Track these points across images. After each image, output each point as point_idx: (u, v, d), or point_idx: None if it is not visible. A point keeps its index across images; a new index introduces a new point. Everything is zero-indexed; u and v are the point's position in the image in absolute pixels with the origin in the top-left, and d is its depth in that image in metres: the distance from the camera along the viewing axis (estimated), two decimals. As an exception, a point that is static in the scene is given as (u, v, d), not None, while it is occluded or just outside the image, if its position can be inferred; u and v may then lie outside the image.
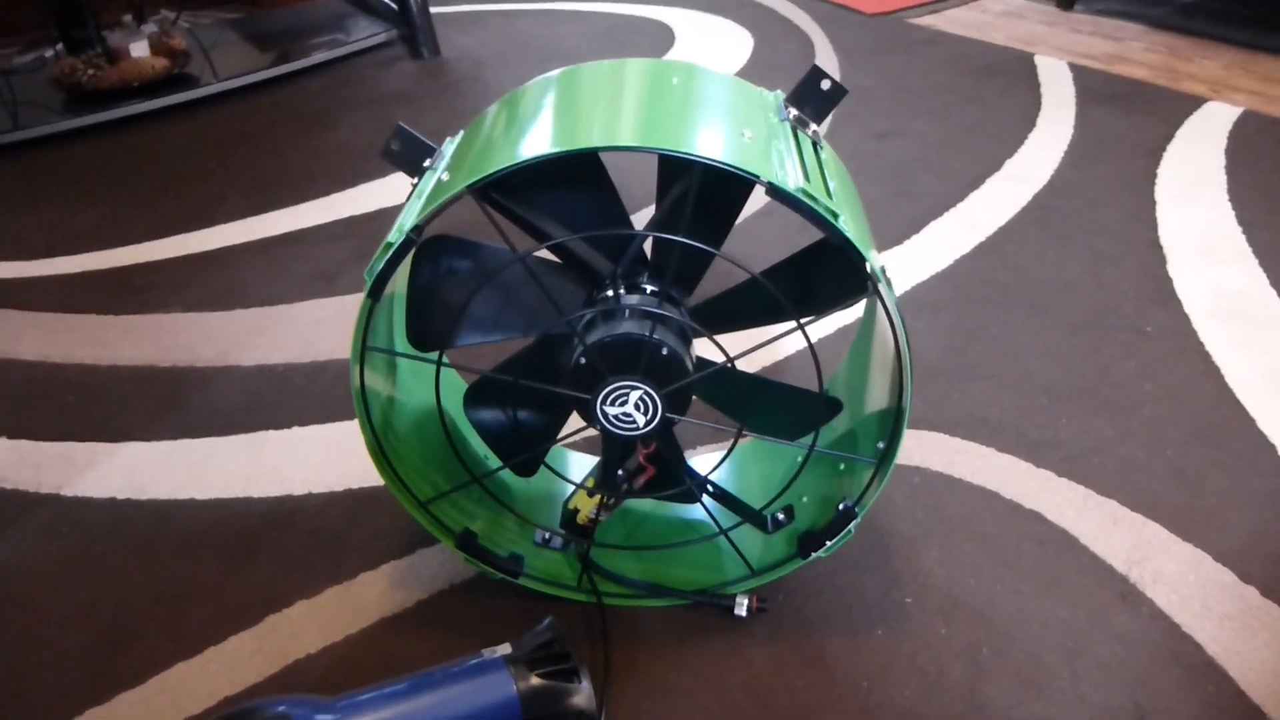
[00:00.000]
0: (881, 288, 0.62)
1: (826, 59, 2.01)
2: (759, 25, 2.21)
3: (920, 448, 0.99)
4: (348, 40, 2.10)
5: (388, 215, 1.45)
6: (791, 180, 0.59)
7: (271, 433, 1.05)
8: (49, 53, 2.14)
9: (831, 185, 0.63)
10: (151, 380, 1.13)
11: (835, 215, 0.59)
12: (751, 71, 1.95)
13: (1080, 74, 1.90)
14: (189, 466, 1.00)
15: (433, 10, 2.16)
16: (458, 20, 2.33)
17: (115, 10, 2.27)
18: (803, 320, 0.66)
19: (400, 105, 1.86)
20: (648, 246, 0.71)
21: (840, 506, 0.75)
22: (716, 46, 2.09)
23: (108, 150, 1.72)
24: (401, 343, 0.78)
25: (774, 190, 0.58)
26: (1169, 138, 1.63)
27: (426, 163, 0.71)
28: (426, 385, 0.84)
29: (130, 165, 1.66)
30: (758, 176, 0.57)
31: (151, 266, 1.36)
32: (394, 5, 2.12)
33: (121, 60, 1.89)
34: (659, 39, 2.14)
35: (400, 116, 1.81)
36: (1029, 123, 1.70)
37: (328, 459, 1.00)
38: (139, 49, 1.90)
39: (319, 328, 1.21)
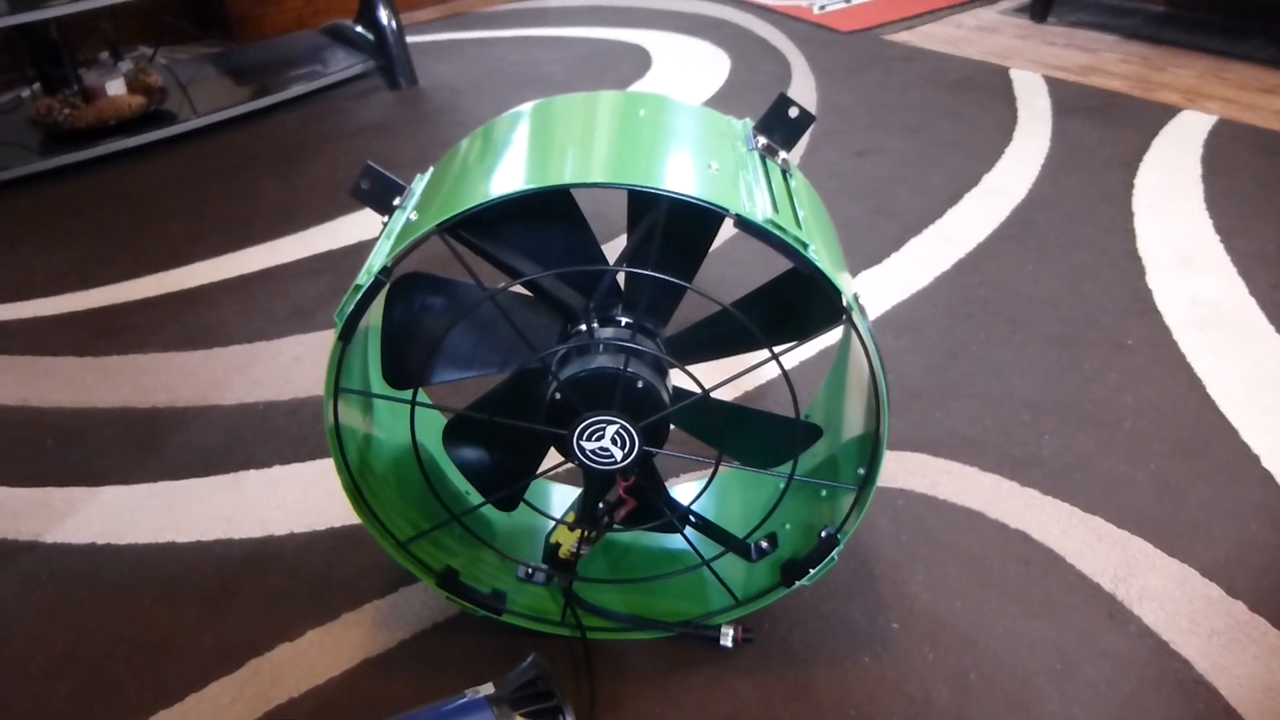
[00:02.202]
0: (855, 317, 0.62)
1: (804, 78, 2.02)
2: (736, 46, 2.22)
3: (904, 469, 0.99)
4: (325, 72, 2.10)
5: (366, 249, 1.45)
6: (760, 211, 0.58)
7: (252, 472, 1.04)
8: (25, 93, 2.13)
9: (801, 214, 0.63)
10: (131, 422, 1.12)
11: (805, 245, 0.59)
12: (729, 93, 1.96)
13: (1055, 86, 1.91)
14: (169, 509, 0.99)
15: (410, 40, 2.16)
16: (435, 49, 2.33)
17: (93, 48, 2.27)
18: (778, 348, 0.65)
19: (378, 136, 1.86)
20: (621, 278, 0.70)
21: (823, 534, 0.75)
22: (693, 69, 2.09)
23: (85, 190, 1.72)
24: (377, 377, 0.77)
25: (742, 222, 0.57)
26: (1145, 148, 1.64)
27: (396, 201, 0.70)
28: (404, 422, 0.83)
29: (107, 204, 1.66)
30: (725, 209, 0.57)
31: (129, 306, 1.35)
32: (370, 36, 2.12)
33: (98, 99, 1.89)
34: (636, 63, 2.15)
35: (378, 147, 1.81)
36: (1006, 137, 1.71)
37: (309, 497, 0.99)
38: (115, 87, 1.90)
39: (298, 365, 1.20)
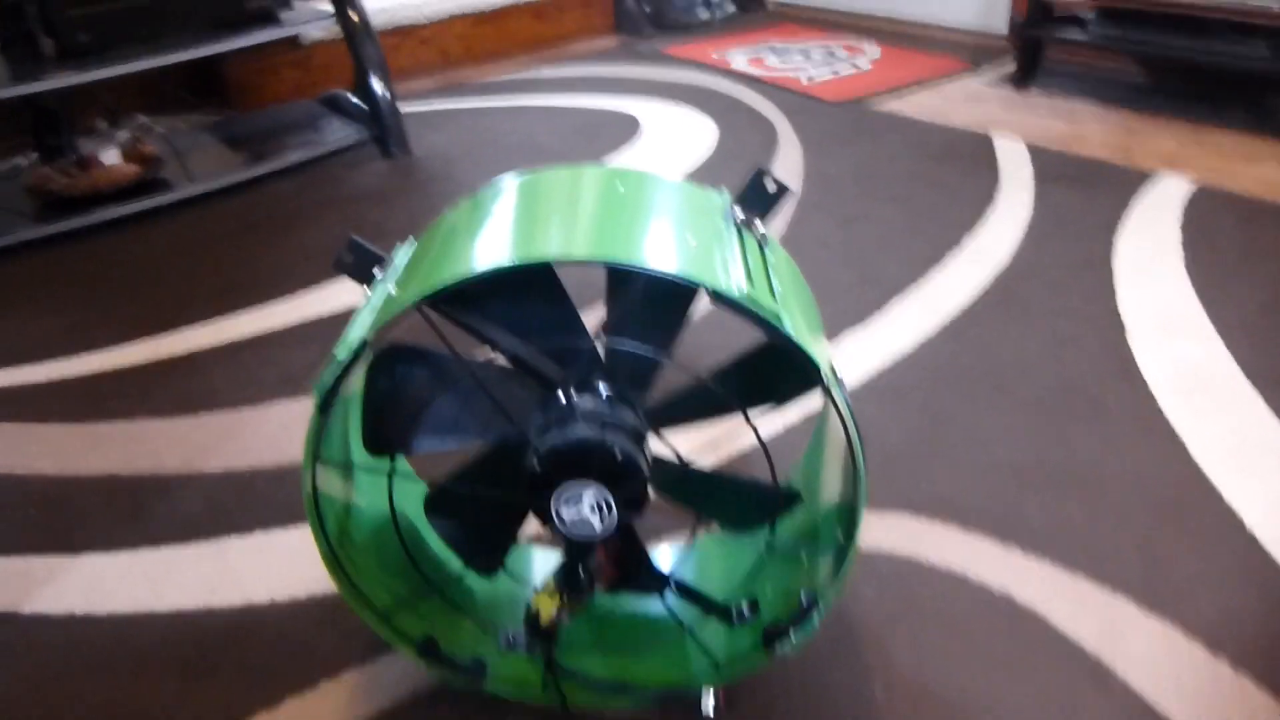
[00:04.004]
0: (831, 388, 0.62)
1: (791, 148, 2.05)
2: (724, 116, 2.26)
3: (887, 533, 0.99)
4: (321, 141, 2.13)
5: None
6: (735, 285, 0.60)
7: (235, 539, 1.04)
8: (23, 161, 2.16)
9: (777, 286, 0.64)
10: (115, 490, 1.12)
11: (779, 317, 0.60)
12: (716, 162, 1.99)
13: (1038, 154, 1.95)
14: (149, 578, 0.99)
15: (404, 109, 2.20)
16: (429, 119, 2.37)
17: (91, 116, 2.31)
18: (754, 416, 0.66)
19: (371, 204, 1.88)
20: (601, 349, 0.71)
21: (803, 599, 0.75)
22: (682, 138, 2.13)
23: (79, 258, 1.73)
24: (358, 444, 0.78)
25: (717, 296, 0.58)
26: (1125, 214, 1.67)
27: (378, 272, 0.72)
28: (385, 491, 0.84)
29: (101, 272, 1.67)
30: (701, 284, 0.58)
31: (119, 373, 1.36)
32: (365, 106, 2.16)
33: (94, 167, 1.91)
34: (626, 131, 2.19)
35: (371, 215, 1.83)
36: (989, 204, 1.73)
37: (292, 565, 0.99)
38: (111, 156, 1.93)
39: (286, 432, 1.20)
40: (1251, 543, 0.96)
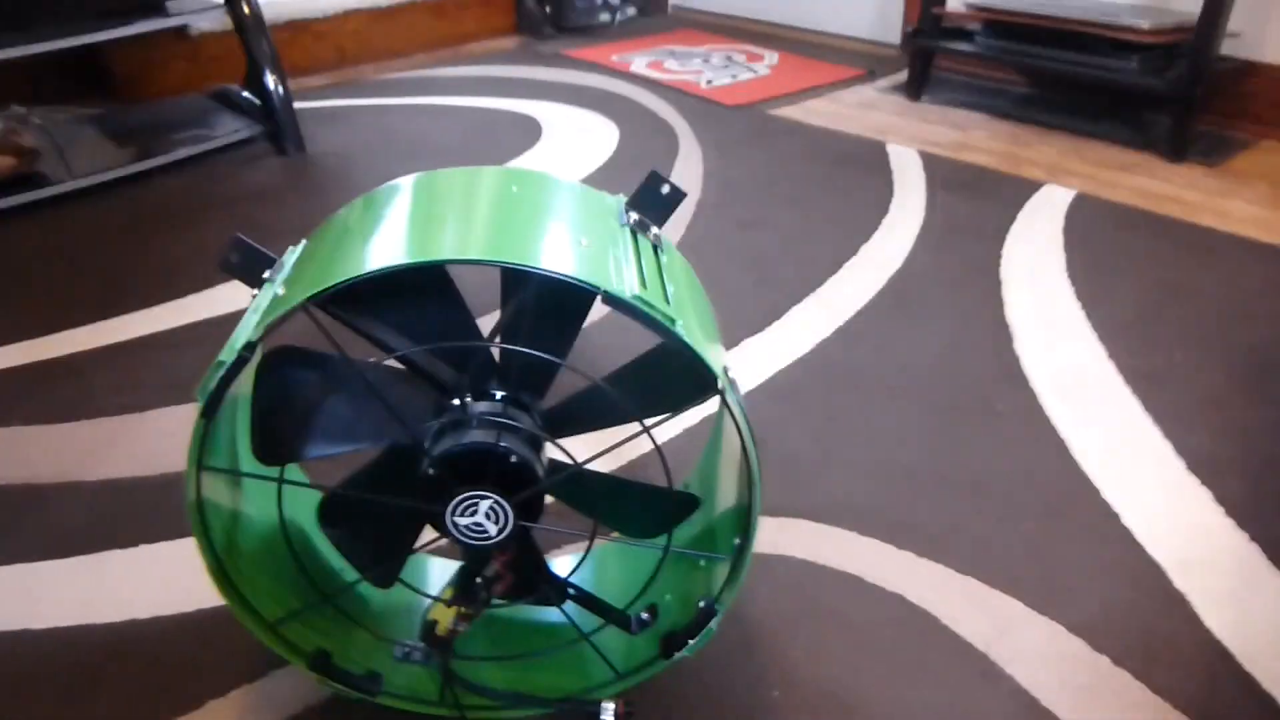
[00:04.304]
0: (725, 393, 0.63)
1: (691, 151, 2.07)
2: (625, 119, 2.27)
3: (784, 536, 1.00)
4: (211, 136, 2.06)
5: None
6: (628, 287, 0.59)
7: (116, 552, 0.99)
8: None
9: (671, 289, 0.65)
10: (-15, 501, 1.07)
11: (672, 321, 0.60)
12: (616, 165, 1.99)
13: (929, 161, 2.00)
14: (23, 594, 0.94)
15: (299, 105, 2.14)
16: (325, 115, 2.32)
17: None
18: (650, 421, 0.66)
19: (263, 203, 1.83)
20: (496, 353, 0.70)
21: (701, 604, 0.75)
22: (583, 140, 2.13)
23: (-53, 254, 1.64)
24: (246, 451, 0.75)
25: (610, 298, 0.58)
26: (1011, 220, 1.73)
27: (266, 274, 0.69)
28: (274, 499, 0.81)
29: (-29, 270, 1.59)
30: (595, 287, 0.58)
31: (-10, 377, 1.29)
32: (258, 101, 2.10)
33: (-36, 160, 1.81)
34: (527, 133, 2.17)
35: (263, 214, 1.78)
36: (883, 209, 1.78)
37: (176, 578, 0.95)
38: (-16, 148, 1.83)
39: (170, 439, 1.16)
40: (1126, 537, 1.00)
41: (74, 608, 0.92)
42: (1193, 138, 2.03)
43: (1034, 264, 1.57)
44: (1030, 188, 1.87)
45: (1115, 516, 1.03)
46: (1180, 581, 0.95)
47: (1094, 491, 1.07)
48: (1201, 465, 1.10)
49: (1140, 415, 1.19)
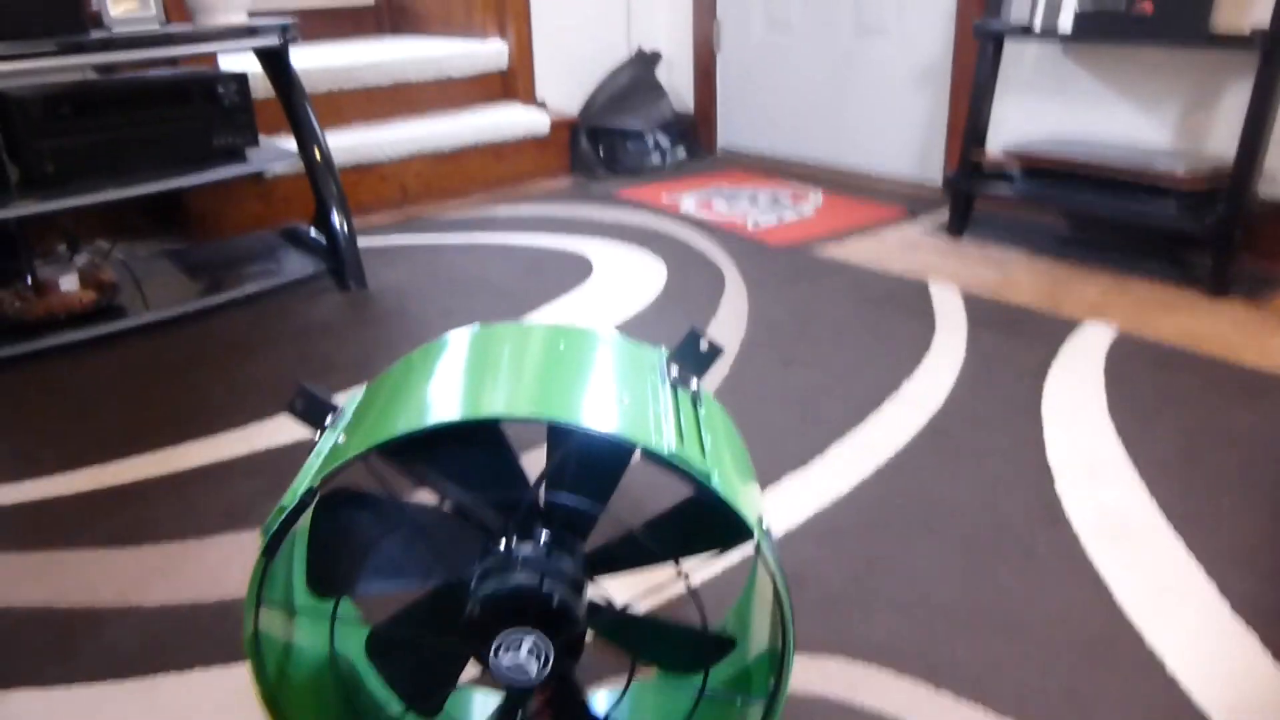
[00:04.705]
0: (760, 543, 0.66)
1: (736, 290, 2.13)
2: (673, 257, 2.35)
3: (823, 676, 1.01)
4: (278, 273, 2.18)
5: (302, 449, 1.47)
6: (666, 443, 0.63)
7: (171, 677, 1.02)
8: (-22, 285, 2.18)
9: (708, 441, 0.68)
10: (47, 623, 1.11)
11: (707, 476, 0.63)
12: (664, 302, 2.06)
13: (970, 301, 2.05)
14: (79, 716, 0.97)
15: (362, 243, 2.26)
16: (386, 254, 2.43)
17: (51, 241, 2.34)
18: (686, 565, 0.69)
19: (324, 337, 1.92)
20: (541, 499, 0.74)
21: (736, 748, 0.76)
22: (632, 278, 2.21)
23: (29, 382, 1.74)
24: (301, 585, 0.79)
25: (648, 454, 0.62)
26: (1052, 359, 1.75)
27: (328, 419, 0.74)
28: (325, 633, 0.84)
29: (50, 397, 1.68)
30: (634, 442, 0.62)
31: (62, 501, 1.35)
32: (323, 240, 2.22)
33: (50, 292, 1.93)
34: (578, 271, 2.26)
35: (323, 348, 1.86)
36: (924, 348, 1.81)
37: (228, 704, 0.98)
38: (68, 282, 1.95)
39: (227, 566, 1.20)
40: (1171, 685, 0.99)
41: (128, 734, 0.95)
42: (1234, 277, 2.06)
43: (1075, 403, 1.58)
44: (1071, 326, 1.89)
45: (1160, 663, 1.02)
46: (1227, 734, 0.93)
47: (1137, 636, 1.06)
48: (1247, 608, 1.09)
49: (1184, 558, 1.19)
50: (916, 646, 1.05)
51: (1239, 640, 1.05)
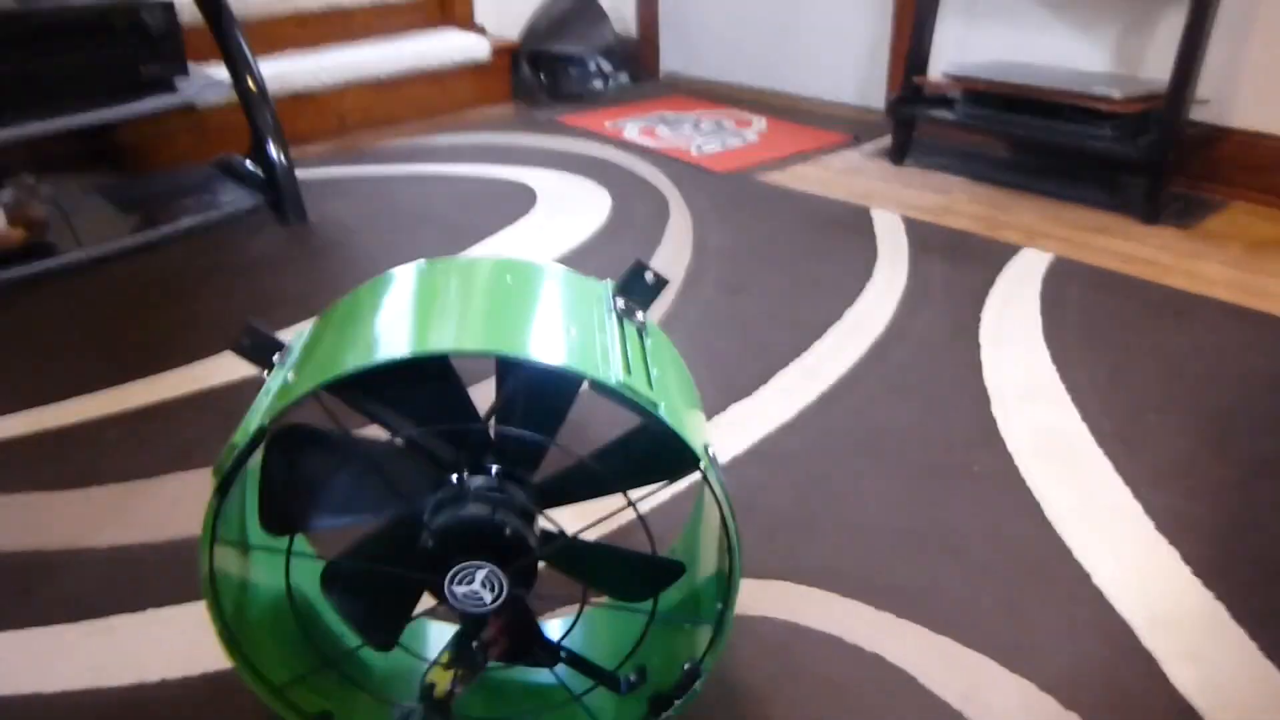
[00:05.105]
0: (707, 472, 0.68)
1: (681, 218, 2.14)
2: (617, 185, 2.34)
3: (768, 597, 1.04)
4: (215, 206, 2.13)
5: (249, 386, 1.46)
6: (613, 374, 0.65)
7: (125, 617, 1.03)
8: (-101, 223, 2.10)
9: (654, 372, 0.70)
10: (-2, 568, 1.10)
11: (655, 405, 0.65)
12: (609, 232, 2.06)
13: (912, 226, 2.07)
14: (35, 659, 0.98)
15: (301, 174, 2.21)
16: (326, 185, 2.39)
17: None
18: (635, 494, 0.71)
19: (266, 272, 1.89)
20: (492, 432, 0.75)
21: (685, 666, 0.79)
22: (576, 208, 2.20)
23: (-41, 324, 1.69)
24: (254, 521, 0.80)
25: (596, 385, 0.63)
26: (990, 284, 1.79)
27: (275, 358, 0.74)
28: (281, 568, 0.85)
29: (-17, 339, 1.64)
30: (582, 374, 0.63)
31: (2, 444, 1.33)
32: (261, 171, 2.17)
33: (-24, 232, 1.87)
34: (522, 201, 2.24)
35: (266, 283, 1.84)
36: (867, 273, 1.84)
37: (184, 642, 0.99)
38: (-5, 220, 1.89)
39: (179, 505, 1.20)
40: (1098, 596, 1.04)
41: (85, 672, 0.96)
42: (1166, 201, 2.11)
43: (1012, 327, 1.62)
44: (1009, 251, 1.93)
45: (1087, 576, 1.08)
46: (1149, 640, 0.99)
47: (1067, 552, 1.11)
48: (1170, 525, 1.15)
49: (1112, 476, 1.24)
50: (859, 568, 1.09)
51: (1162, 555, 1.11)
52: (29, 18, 1.84)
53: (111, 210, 2.17)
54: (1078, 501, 1.19)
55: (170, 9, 1.99)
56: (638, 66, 3.48)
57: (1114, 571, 1.08)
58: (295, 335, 0.77)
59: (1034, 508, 1.19)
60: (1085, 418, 1.36)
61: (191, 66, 2.09)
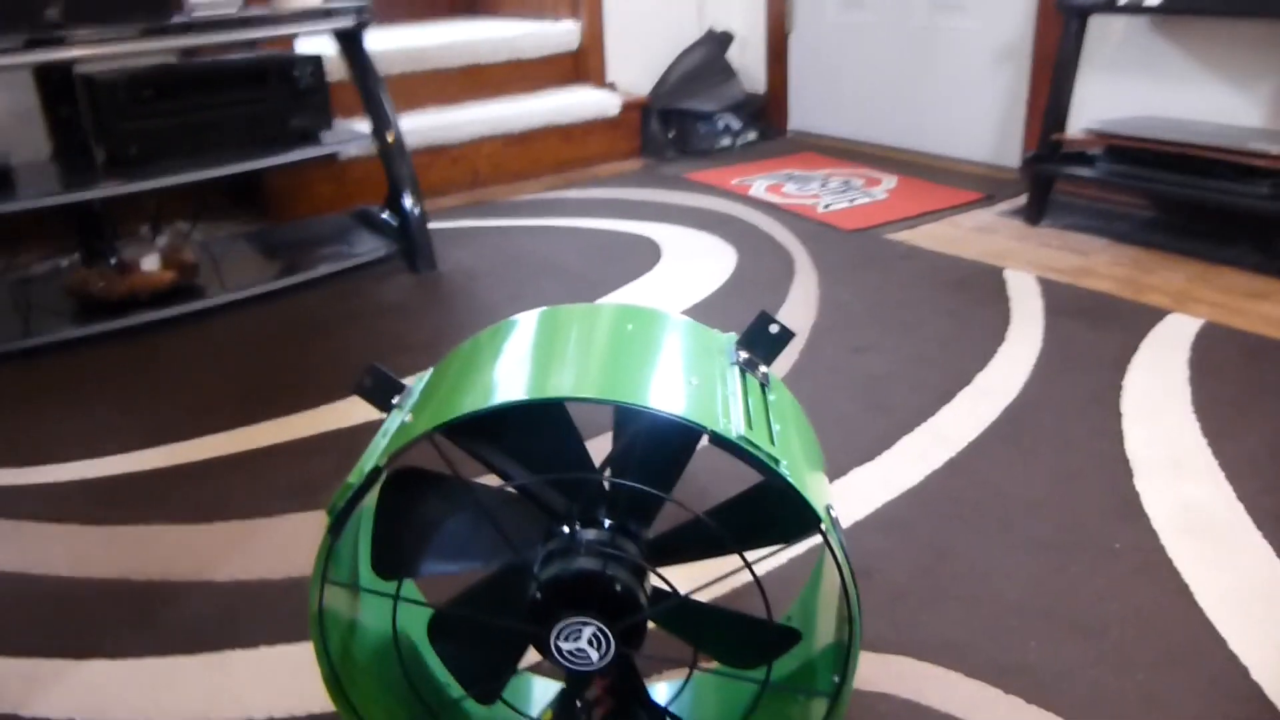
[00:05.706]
0: (828, 534, 0.64)
1: (806, 274, 2.10)
2: (742, 241, 2.33)
3: (887, 673, 0.98)
4: (351, 254, 2.21)
5: (371, 429, 1.49)
6: (734, 427, 0.62)
7: (239, 651, 1.04)
8: (64, 262, 2.25)
9: (776, 428, 0.67)
10: (125, 594, 1.14)
11: (776, 461, 0.62)
12: (733, 287, 2.04)
13: (1048, 287, 1.99)
14: (151, 686, 1.00)
15: (433, 226, 2.28)
16: (456, 235, 2.45)
17: (135, 222, 2.40)
18: (752, 556, 0.67)
19: (395, 318, 1.94)
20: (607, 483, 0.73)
21: (799, 741, 0.75)
22: (701, 263, 2.19)
23: (111, 360, 1.79)
24: (365, 563, 0.79)
25: (716, 438, 0.61)
26: (1134, 350, 1.69)
27: (395, 399, 0.75)
28: (389, 612, 0.85)
29: (130, 375, 1.72)
30: (702, 427, 0.61)
31: (139, 476, 1.39)
32: (395, 222, 2.24)
33: (132, 272, 1.98)
34: (646, 255, 2.25)
35: (394, 329, 1.88)
36: (999, 336, 1.76)
37: (293, 680, 1.00)
38: (150, 262, 2.00)
39: (296, 543, 1.22)
40: (1256, 693, 0.95)
41: (195, 704, 0.97)
42: (1330, 267, 1.97)
43: (1157, 396, 1.53)
44: (1154, 316, 1.83)
45: (1244, 670, 0.98)
46: (1315, 745, 0.89)
47: (1220, 641, 1.02)
48: (1340, 619, 1.04)
49: (1271, 559, 1.14)
50: (986, 646, 1.02)
51: (1331, 647, 1.01)
52: (190, 71, 1.96)
53: (255, 256, 2.27)
54: (1232, 585, 1.10)
55: (319, 63, 2.08)
56: (766, 123, 3.47)
57: (1272, 663, 0.98)
58: (416, 378, 0.77)
59: (1182, 590, 1.10)
60: (1240, 494, 1.26)
61: (336, 120, 2.18)
